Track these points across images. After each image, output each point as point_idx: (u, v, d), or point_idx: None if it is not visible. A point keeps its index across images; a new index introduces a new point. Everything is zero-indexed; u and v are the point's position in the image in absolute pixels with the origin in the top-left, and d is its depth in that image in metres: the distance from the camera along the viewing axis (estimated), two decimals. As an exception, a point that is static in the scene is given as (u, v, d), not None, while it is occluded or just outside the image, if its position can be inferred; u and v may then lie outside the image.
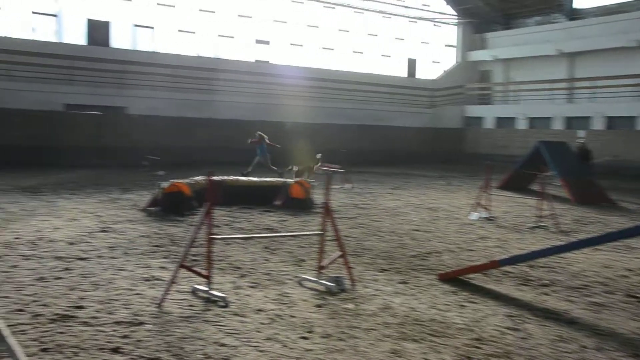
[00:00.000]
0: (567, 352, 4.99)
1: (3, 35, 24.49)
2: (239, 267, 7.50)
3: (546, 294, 6.84)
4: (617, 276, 7.85)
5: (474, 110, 36.91)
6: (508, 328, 5.57)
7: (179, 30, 29.45)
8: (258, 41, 32.04)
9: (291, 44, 33.19)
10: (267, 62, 32.06)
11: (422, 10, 37.24)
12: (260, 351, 4.74)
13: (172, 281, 6.00)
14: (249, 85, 29.12)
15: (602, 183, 18.52)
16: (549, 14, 36.07)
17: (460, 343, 5.11)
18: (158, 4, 28.56)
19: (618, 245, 9.87)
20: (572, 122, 31.49)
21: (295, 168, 17.81)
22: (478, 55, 38.50)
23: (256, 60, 31.70)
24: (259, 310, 5.79)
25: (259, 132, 20.90)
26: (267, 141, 20.72)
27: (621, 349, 5.15)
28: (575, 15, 34.71)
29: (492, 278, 7.46)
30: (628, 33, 30.15)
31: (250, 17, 31.59)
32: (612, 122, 29.91)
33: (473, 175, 24.76)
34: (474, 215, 12.89)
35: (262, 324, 5.40)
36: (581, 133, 29.61)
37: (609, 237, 6.60)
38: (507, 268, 7.75)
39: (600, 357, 4.94)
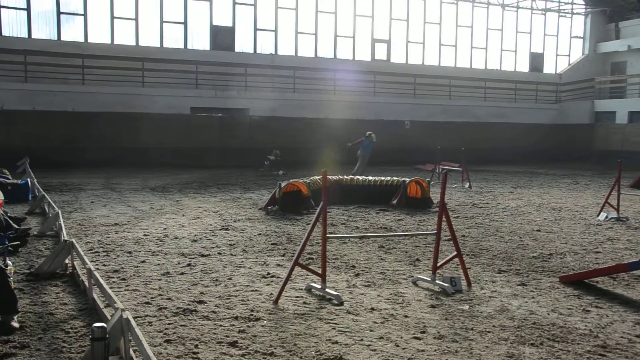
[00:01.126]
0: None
1: (137, 44, 26.24)
2: (353, 266, 7.59)
3: (682, 301, 6.34)
4: None
5: (605, 105, 34.70)
6: (638, 336, 5.23)
7: (299, 32, 30.10)
8: (376, 40, 32.06)
9: (410, 42, 32.91)
10: (386, 60, 32.01)
11: (549, 1, 35.60)
12: (373, 350, 4.77)
13: (288, 279, 6.18)
14: (365, 84, 29.22)
15: None
16: (691, -2, 33.23)
17: (583, 350, 4.87)
18: (278, 7, 29.35)
19: None
20: None
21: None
22: (610, 46, 36.17)
23: (373, 59, 31.74)
24: (373, 309, 5.83)
25: (370, 132, 21.01)
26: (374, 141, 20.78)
27: None
28: None
29: (620, 282, 7.02)
30: None
31: (369, 16, 31.67)
32: None
33: (602, 174, 23.38)
34: (602, 216, 12.17)
35: (375, 322, 5.43)
36: None
37: None
38: (639, 272, 7.26)
39: None
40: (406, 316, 5.63)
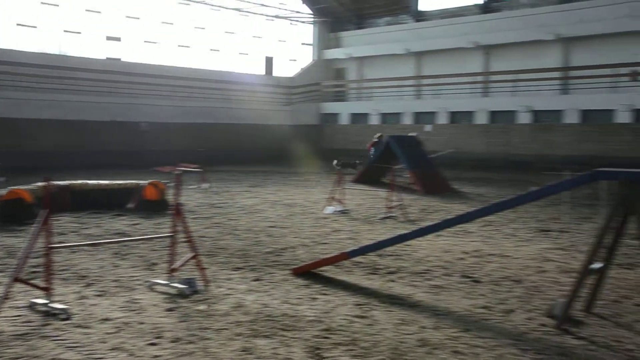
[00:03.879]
0: (408, 334, 5.29)
1: None
2: (84, 276, 7.16)
3: (392, 281, 7.19)
4: (455, 259, 8.46)
5: (330, 107, 37.88)
6: (356, 316, 5.80)
7: (18, 24, 27.43)
8: (109, 38, 30.65)
9: (145, 42, 32.11)
10: (119, 59, 30.80)
11: (279, 9, 37.57)
12: (105, 362, 4.56)
13: (6, 297, 5.60)
14: (100, 84, 27.78)
15: (446, 173, 19.79)
16: (397, 15, 37.81)
17: (310, 335, 5.25)
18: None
19: (457, 230, 10.63)
20: (420, 117, 33.27)
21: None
22: (333, 53, 39.55)
23: (107, 58, 30.33)
24: (105, 319, 5.56)
25: (380, 134, 22.68)
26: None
27: (456, 325, 5.55)
28: (420, 17, 36.68)
29: (343, 269, 7.71)
30: (467, 35, 32.42)
31: (100, 12, 30.13)
32: (455, 116, 32.00)
33: (330, 171, 25.41)
34: (329, 210, 13.26)
35: (108, 333, 5.19)
36: (428, 127, 31.43)
37: (448, 223, 7.06)
38: (358, 258, 8.05)
39: (437, 335, 5.29)
40: (141, 323, 5.49)
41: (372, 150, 22.50)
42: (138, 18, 31.76)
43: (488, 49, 32.39)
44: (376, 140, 22.65)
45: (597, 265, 5.72)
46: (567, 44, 29.58)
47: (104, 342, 4.97)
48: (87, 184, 13.44)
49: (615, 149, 25.52)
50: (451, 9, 35.27)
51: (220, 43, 35.54)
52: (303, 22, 39.57)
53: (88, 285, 6.78)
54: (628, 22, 26.97)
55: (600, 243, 5.48)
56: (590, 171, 5.62)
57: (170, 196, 13.34)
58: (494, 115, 30.56)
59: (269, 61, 38.18)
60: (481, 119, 30.78)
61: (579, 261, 7.77)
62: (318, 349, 4.93)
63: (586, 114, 27.51)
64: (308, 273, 7.45)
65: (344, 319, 5.70)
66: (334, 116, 37.58)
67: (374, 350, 4.90)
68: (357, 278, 7.31)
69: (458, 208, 13.95)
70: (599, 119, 26.99)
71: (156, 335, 5.17)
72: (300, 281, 7.12)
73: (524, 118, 29.20)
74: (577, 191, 13.59)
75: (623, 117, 26.16)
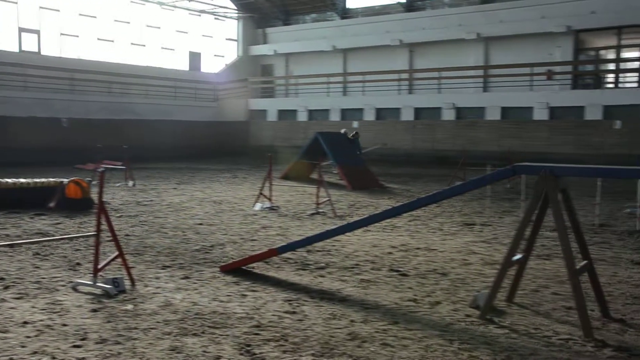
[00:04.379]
0: (338, 328, 5.34)
1: None
2: (2, 278, 6.82)
3: (322, 276, 7.24)
4: (383, 254, 8.61)
5: (258, 103, 37.72)
6: (286, 312, 5.80)
7: None
8: (24, 30, 29.34)
9: (62, 34, 30.94)
10: (37, 52, 29.55)
11: (204, 3, 37.03)
12: (26, 366, 4.38)
13: None
14: (16, 78, 26.58)
15: (373, 169, 20.11)
16: (324, 12, 38.04)
17: (240, 332, 5.21)
18: None
19: (385, 225, 10.83)
20: (347, 114, 33.63)
21: None
22: (259, 49, 39.38)
23: (23, 51, 29.04)
24: (25, 322, 5.32)
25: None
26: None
27: (384, 318, 5.65)
28: (347, 14, 37.07)
29: (273, 266, 7.71)
30: (391, 33, 33.03)
31: (15, 2, 28.79)
32: (381, 113, 32.53)
33: (257, 167, 25.33)
34: (257, 206, 13.20)
35: (28, 337, 4.97)
36: (355, 124, 31.82)
37: (375, 218, 7.16)
38: (287, 255, 8.06)
39: (367, 328, 5.37)
40: (65, 325, 5.29)
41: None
42: (57, 10, 30.57)
43: (412, 47, 33.13)
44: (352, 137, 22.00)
45: (517, 256, 5.96)
46: (488, 43, 30.64)
47: (24, 347, 4.76)
48: (6, 182, 12.82)
49: (533, 144, 26.66)
50: (376, 7, 35.85)
51: (143, 38, 34.71)
52: (229, 17, 39.19)
53: (6, 287, 6.47)
54: (543, 24, 28.24)
55: (521, 235, 5.70)
56: (512, 166, 5.84)
57: (93, 194, 12.95)
58: (419, 111, 31.28)
59: (194, 56, 37.61)
60: (407, 115, 31.42)
61: (502, 253, 8.09)
62: (248, 345, 4.91)
63: (506, 111, 28.59)
64: (237, 270, 7.39)
65: (274, 315, 5.69)
66: (261, 112, 37.45)
67: (305, 345, 4.93)
68: (286, 274, 7.32)
69: (385, 203, 14.20)
70: (519, 116, 28.11)
71: (81, 337, 5.00)
72: (229, 278, 7.06)
73: (448, 115, 30.02)
74: (498, 186, 14.11)
75: (540, 115, 27.35)
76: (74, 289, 6.46)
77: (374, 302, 6.20)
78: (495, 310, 5.84)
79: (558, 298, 6.38)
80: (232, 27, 39.55)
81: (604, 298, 5.87)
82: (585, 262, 5.79)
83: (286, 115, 36.26)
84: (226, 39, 39.43)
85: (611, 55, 30.17)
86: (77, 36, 31.57)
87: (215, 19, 38.66)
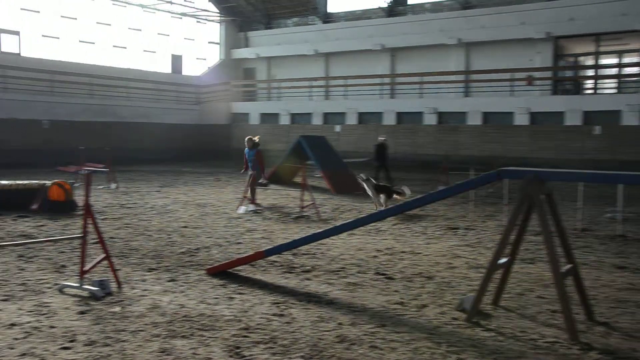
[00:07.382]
0: (326, 331, 5.38)
1: None
2: (-13, 281, 6.79)
3: (309, 279, 7.28)
4: (368, 257, 8.67)
5: (240, 107, 37.62)
6: (274, 315, 5.83)
7: None
8: (4, 31, 28.99)
9: (43, 36, 30.63)
10: (18, 54, 29.21)
11: (186, 6, 36.90)
12: (15, 368, 4.36)
13: None
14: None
15: (356, 173, 20.15)
16: (306, 16, 38.10)
17: (229, 334, 5.23)
18: None
19: (370, 228, 10.89)
20: (329, 118, 33.70)
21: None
22: (241, 53, 39.32)
23: (3, 52, 28.70)
24: (13, 324, 5.30)
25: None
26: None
27: (372, 321, 5.70)
28: (328, 18, 37.16)
29: (259, 269, 7.72)
30: (373, 37, 33.19)
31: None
32: (363, 117, 32.64)
33: (240, 170, 25.22)
34: (242, 209, 13.20)
35: (17, 339, 4.95)
36: (337, 128, 31.90)
37: (361, 222, 7.20)
38: (273, 258, 8.08)
39: (355, 331, 5.42)
40: (52, 327, 5.28)
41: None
42: (38, 12, 30.27)
43: (394, 52, 33.30)
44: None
45: (503, 260, 6.04)
46: (469, 48, 30.92)
47: (13, 348, 4.74)
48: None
49: (514, 149, 26.95)
50: (357, 11, 35.99)
51: (125, 40, 34.48)
52: (211, 20, 39.09)
53: (-9, 290, 6.44)
54: (524, 30, 28.57)
55: (507, 239, 5.78)
56: (497, 170, 5.93)
57: (77, 197, 12.86)
58: (401, 116, 31.44)
59: (176, 59, 37.44)
60: (389, 119, 31.56)
61: (486, 257, 8.19)
62: (238, 347, 4.93)
63: (488, 116, 28.85)
64: (224, 273, 7.40)
65: (262, 318, 5.72)
66: (244, 116, 37.37)
67: (294, 348, 4.96)
68: (273, 277, 7.34)
69: (369, 207, 14.26)
70: (500, 121, 28.39)
71: (69, 339, 4.99)
72: (216, 281, 7.07)
73: (430, 119, 30.22)
74: (480, 190, 14.23)
75: (521, 120, 27.65)
76: (60, 291, 6.43)
77: (361, 305, 6.25)
78: (481, 314, 5.92)
79: (543, 301, 6.48)
80: (214, 30, 39.43)
81: (589, 302, 5.98)
82: (570, 266, 5.89)
83: (269, 118, 36.22)
84: (208, 42, 39.30)
85: (590, 61, 30.59)
86: (58, 38, 31.27)
87: (197, 22, 38.52)
